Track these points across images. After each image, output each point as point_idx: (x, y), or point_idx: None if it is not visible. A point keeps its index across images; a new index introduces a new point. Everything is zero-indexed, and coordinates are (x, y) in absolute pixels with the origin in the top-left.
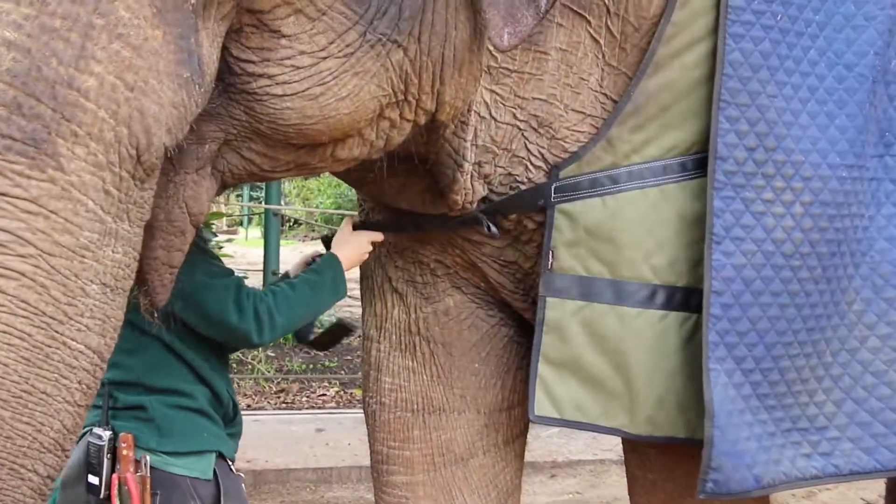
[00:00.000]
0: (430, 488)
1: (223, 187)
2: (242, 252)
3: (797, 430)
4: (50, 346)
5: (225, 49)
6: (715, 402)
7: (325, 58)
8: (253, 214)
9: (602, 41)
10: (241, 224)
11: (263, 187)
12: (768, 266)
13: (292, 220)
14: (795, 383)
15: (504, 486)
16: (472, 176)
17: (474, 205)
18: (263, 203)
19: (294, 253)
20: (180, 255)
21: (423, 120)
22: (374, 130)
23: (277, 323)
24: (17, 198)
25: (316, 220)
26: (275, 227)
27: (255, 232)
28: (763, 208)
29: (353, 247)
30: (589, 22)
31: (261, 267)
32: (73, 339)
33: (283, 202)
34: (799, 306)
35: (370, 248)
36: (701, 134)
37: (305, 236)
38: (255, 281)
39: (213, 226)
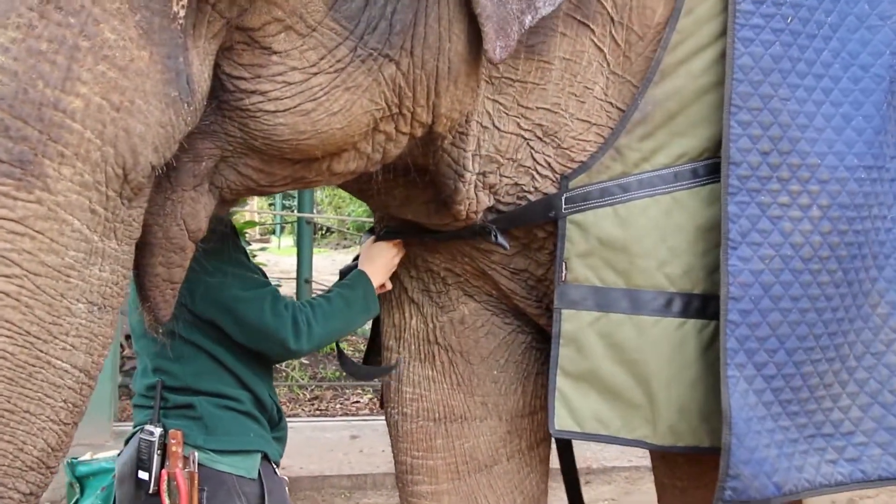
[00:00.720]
0: (456, 497)
1: (222, 203)
2: (275, 260)
3: (821, 435)
4: (34, 366)
5: (217, 66)
6: (733, 408)
7: (315, 73)
8: (285, 223)
9: (606, 50)
10: (273, 233)
11: (296, 195)
12: (787, 270)
13: (325, 228)
14: (818, 388)
15: (530, 491)
16: (475, 186)
17: (479, 215)
18: (296, 211)
19: (327, 261)
20: (181, 272)
21: (419, 132)
22: (369, 144)
23: (315, 332)
24: (4, 219)
25: (348, 229)
26: (307, 236)
27: (288, 240)
28: (780, 212)
29: (380, 261)
30: (592, 31)
31: (294, 275)
32: (57, 358)
33: (315, 210)
34: (819, 310)
35: (397, 259)
36: (712, 140)
37: (338, 244)
38: (288, 289)
39: (246, 235)
